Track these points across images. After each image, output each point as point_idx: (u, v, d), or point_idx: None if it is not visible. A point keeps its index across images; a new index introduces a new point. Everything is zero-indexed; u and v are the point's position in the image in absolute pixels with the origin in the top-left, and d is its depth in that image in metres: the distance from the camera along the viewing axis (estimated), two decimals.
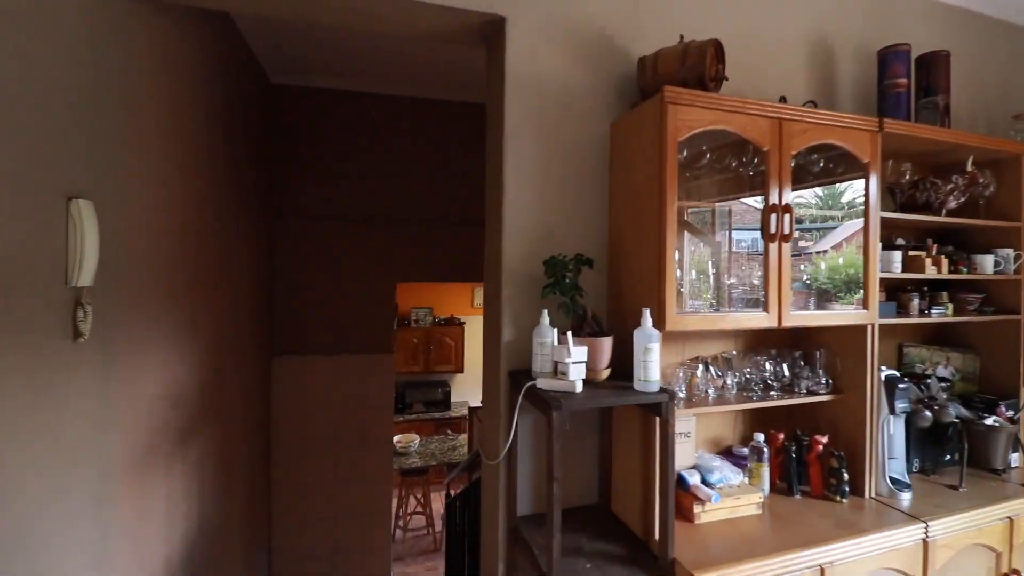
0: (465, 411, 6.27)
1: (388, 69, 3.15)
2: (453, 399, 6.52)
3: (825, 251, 1.72)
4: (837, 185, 1.72)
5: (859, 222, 1.61)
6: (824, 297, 1.66)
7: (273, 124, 3.28)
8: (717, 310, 1.55)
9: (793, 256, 1.49)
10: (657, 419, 1.27)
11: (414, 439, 4.96)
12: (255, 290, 2.90)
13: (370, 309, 3.57)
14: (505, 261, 1.53)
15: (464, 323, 6.54)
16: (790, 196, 1.46)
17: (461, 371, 6.47)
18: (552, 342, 1.34)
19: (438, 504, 5.09)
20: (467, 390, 6.80)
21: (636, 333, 1.27)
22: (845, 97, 1.98)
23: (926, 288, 1.89)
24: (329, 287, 3.43)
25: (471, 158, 3.69)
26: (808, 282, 1.68)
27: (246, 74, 2.72)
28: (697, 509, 1.42)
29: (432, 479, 4.75)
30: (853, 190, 1.67)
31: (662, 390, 1.24)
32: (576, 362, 1.23)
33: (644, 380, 1.24)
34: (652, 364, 1.23)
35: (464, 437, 5.36)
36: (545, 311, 1.39)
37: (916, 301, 1.85)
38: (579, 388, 1.23)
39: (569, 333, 1.23)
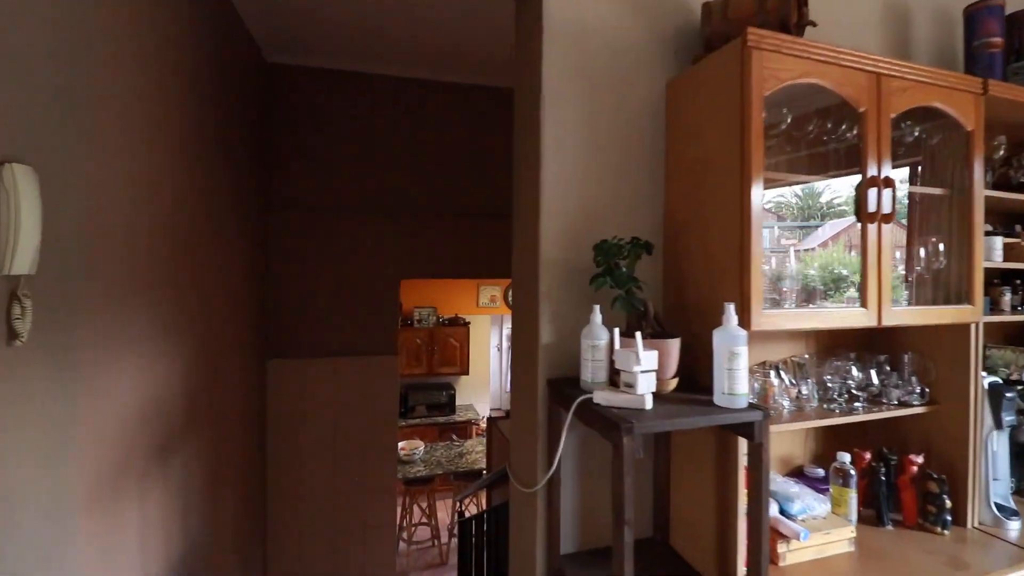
0: (471, 415, 6.01)
1: (393, 49, 2.90)
2: (458, 402, 6.27)
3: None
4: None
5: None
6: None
7: (268, 106, 3.02)
8: (801, 305, 1.29)
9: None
10: (745, 442, 1.02)
11: (418, 446, 4.71)
12: (248, 285, 2.64)
13: (372, 307, 3.32)
14: (543, 248, 1.27)
15: (469, 323, 6.28)
16: (889, 169, 1.21)
17: (466, 373, 6.21)
18: (607, 345, 1.09)
19: (443, 513, 4.83)
20: (472, 393, 6.54)
21: (717, 334, 1.02)
22: (922, 63, 1.73)
23: (1019, 281, 1.65)
24: (328, 283, 3.17)
25: (484, 145, 3.44)
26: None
27: (237, 46, 2.47)
28: (782, 548, 1.17)
29: (437, 487, 4.50)
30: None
31: (752, 406, 0.99)
32: (646, 371, 0.98)
33: (729, 393, 0.99)
34: (740, 373, 0.98)
35: (471, 443, 5.11)
36: (597, 307, 1.13)
37: (1008, 296, 1.60)
38: (649, 403, 0.97)
39: (638, 335, 0.98)
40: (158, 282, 1.58)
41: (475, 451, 4.87)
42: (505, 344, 9.14)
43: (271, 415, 3.05)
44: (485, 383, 6.60)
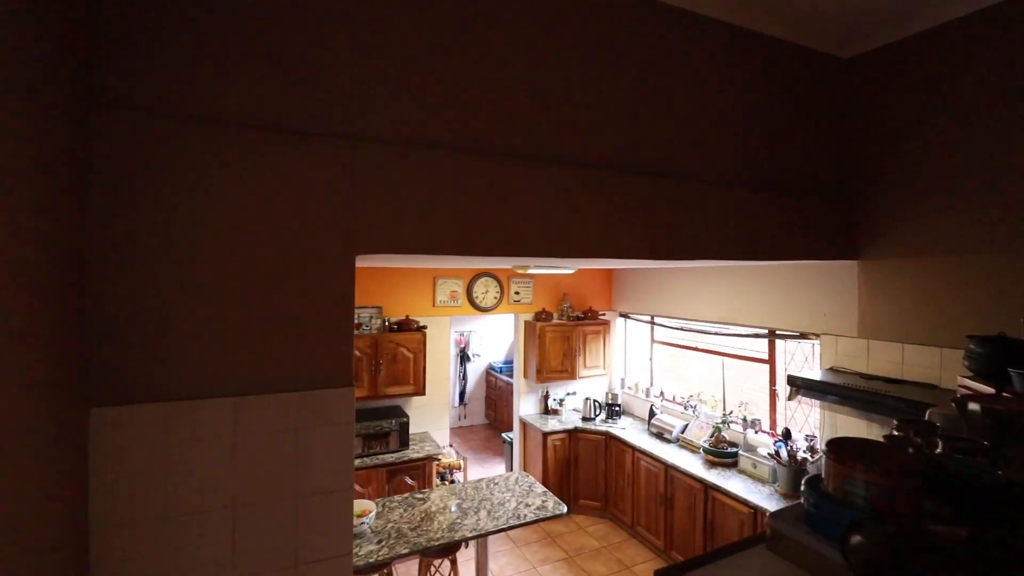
0: (429, 448, 4.55)
1: None
2: (412, 429, 4.79)
3: None
4: None
5: None
6: None
7: None
8: None
9: None
10: None
11: (368, 510, 3.22)
12: (36, 274, 1.10)
13: (310, 305, 1.84)
14: None
15: (426, 328, 4.83)
16: None
17: (421, 393, 4.75)
18: None
19: None
20: (429, 418, 5.08)
21: None
22: None
23: None
24: (222, 263, 1.66)
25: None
26: None
27: None
28: None
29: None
30: None
31: None
32: None
33: None
34: None
35: (439, 495, 3.68)
36: None
37: None
38: None
39: None
40: None
41: (447, 508, 3.46)
42: (479, 339, 7.64)
43: (97, 515, 1.48)
44: (444, 404, 5.16)
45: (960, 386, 2.42)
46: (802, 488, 1.28)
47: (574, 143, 2.31)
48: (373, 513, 3.17)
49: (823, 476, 1.23)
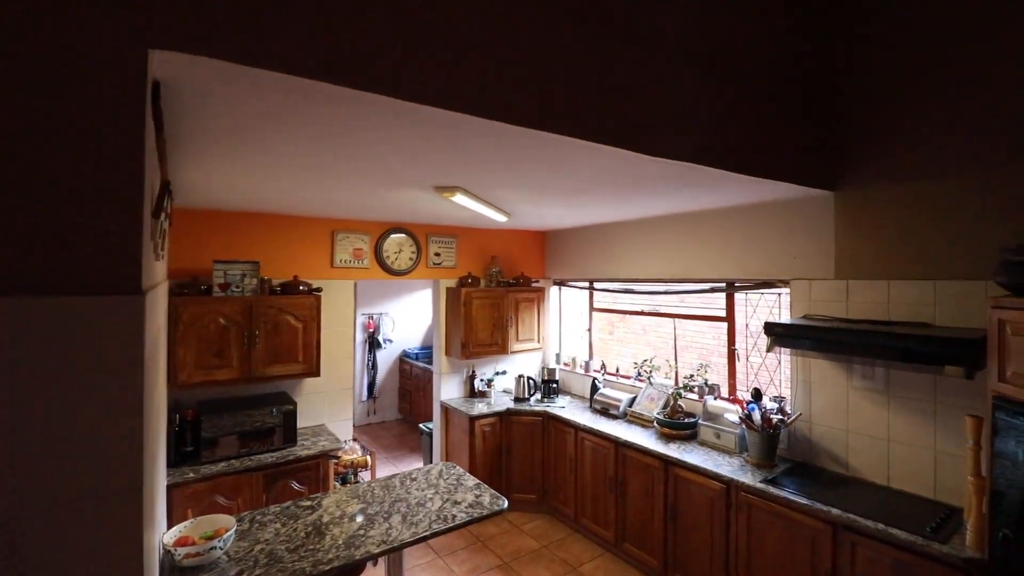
0: (325, 443, 3.55)
1: None
2: (302, 422, 3.74)
3: None
4: None
5: None
6: None
7: None
8: None
9: None
10: None
11: (226, 527, 2.20)
12: None
13: (58, 140, 0.91)
14: None
15: (320, 291, 3.81)
16: None
17: (315, 373, 3.72)
18: None
19: None
20: (326, 406, 4.05)
21: None
22: None
23: None
24: None
25: None
26: None
27: None
28: None
29: None
30: None
31: None
32: None
33: None
34: None
35: (333, 500, 2.72)
36: None
37: None
38: None
39: None
40: None
41: (346, 518, 2.52)
42: (390, 323, 6.41)
43: None
44: (346, 389, 4.15)
45: (995, 307, 1.98)
46: None
47: None
48: (232, 531, 2.16)
49: None
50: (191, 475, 3.03)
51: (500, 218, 3.69)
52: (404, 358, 7.34)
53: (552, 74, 1.73)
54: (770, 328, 2.82)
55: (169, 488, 2.92)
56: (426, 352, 7.02)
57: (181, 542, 2.07)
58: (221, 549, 2.11)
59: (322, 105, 1.47)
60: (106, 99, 1.02)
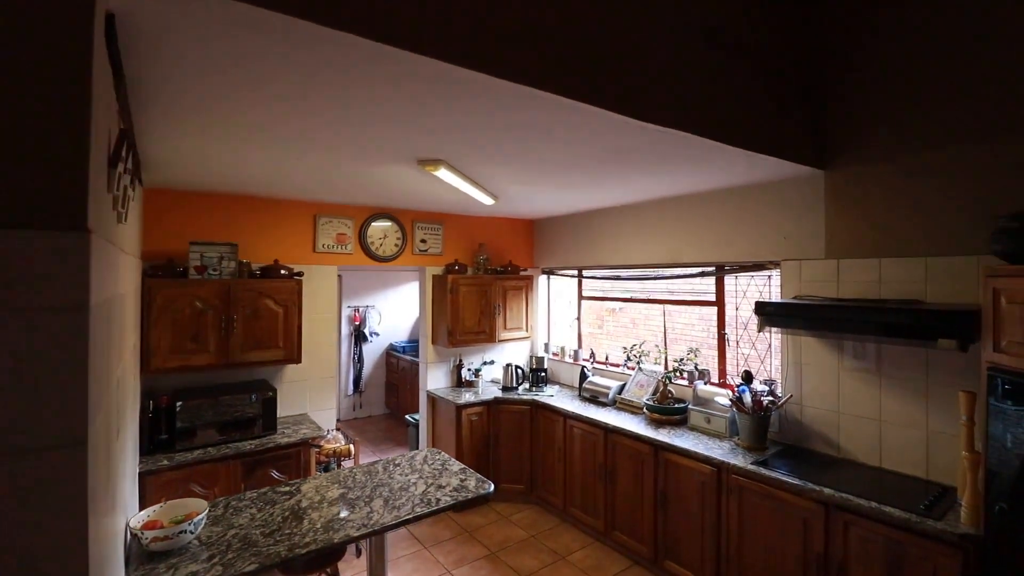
0: (306, 431, 3.44)
1: None
2: (282, 411, 3.63)
3: None
4: None
5: None
6: None
7: None
8: None
9: None
10: None
11: (197, 510, 2.09)
12: None
13: None
14: None
15: (302, 275, 3.70)
16: None
17: (296, 360, 3.61)
18: None
19: None
20: (308, 393, 3.94)
21: None
22: None
23: None
24: None
25: None
26: None
27: None
28: None
29: None
30: None
31: None
32: None
33: None
34: None
35: (314, 486, 2.62)
36: None
37: None
38: None
39: None
40: None
41: (325, 502, 2.43)
42: (377, 316, 6.27)
43: None
44: (329, 377, 4.04)
45: (990, 276, 1.94)
46: None
47: None
48: (204, 515, 2.06)
49: None
50: (165, 463, 2.91)
51: (487, 200, 3.61)
52: (391, 352, 7.22)
53: (546, 27, 1.65)
54: (761, 307, 2.77)
55: (142, 476, 2.80)
56: (413, 346, 6.91)
57: (149, 526, 1.97)
58: (192, 533, 2.01)
59: (297, 48, 1.38)
60: (54, 17, 0.93)
